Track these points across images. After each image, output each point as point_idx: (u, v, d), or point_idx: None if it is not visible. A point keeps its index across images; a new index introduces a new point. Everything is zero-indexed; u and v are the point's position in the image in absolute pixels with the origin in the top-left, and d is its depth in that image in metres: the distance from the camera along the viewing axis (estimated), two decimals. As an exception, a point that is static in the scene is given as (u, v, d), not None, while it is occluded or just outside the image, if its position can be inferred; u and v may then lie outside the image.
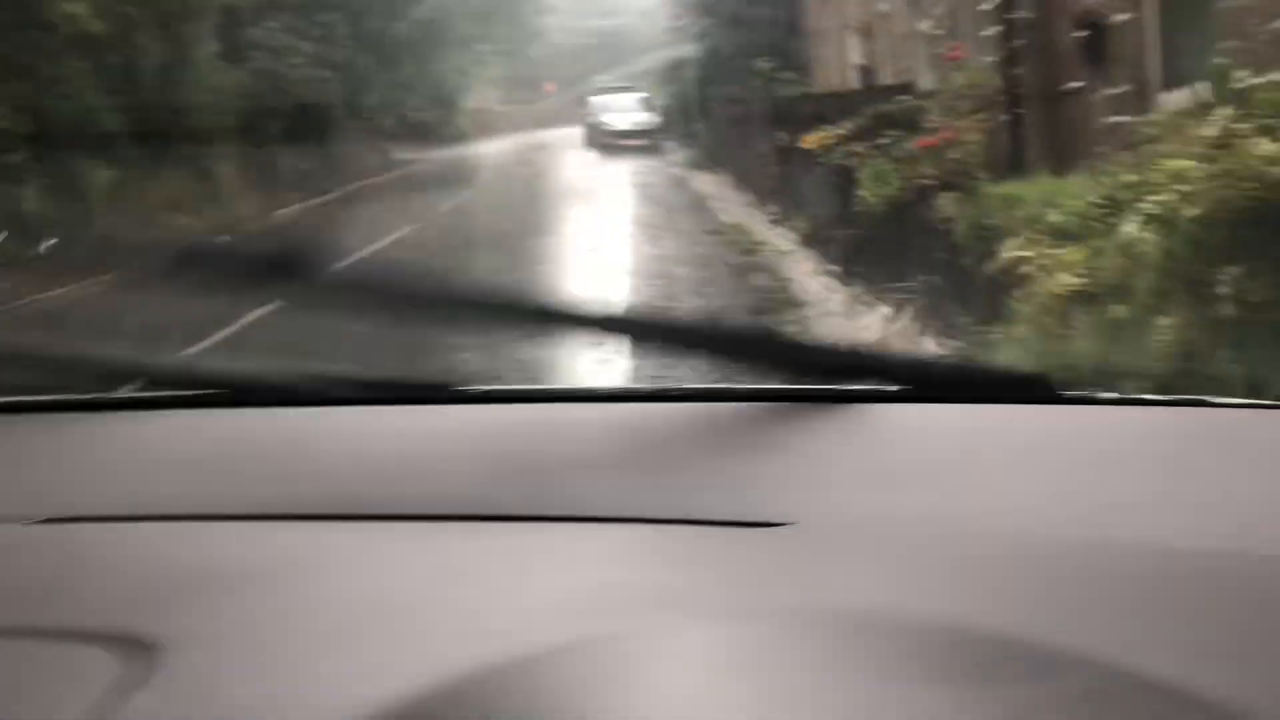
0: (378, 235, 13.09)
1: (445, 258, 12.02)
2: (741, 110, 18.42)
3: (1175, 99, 6.53)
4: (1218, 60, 5.06)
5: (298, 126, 20.66)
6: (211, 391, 1.54)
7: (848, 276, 9.26)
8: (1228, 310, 3.71)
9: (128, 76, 14.40)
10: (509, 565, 1.05)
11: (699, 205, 16.62)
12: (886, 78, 15.18)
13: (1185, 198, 3.88)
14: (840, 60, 19.15)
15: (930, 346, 6.67)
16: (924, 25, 13.09)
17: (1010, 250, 4.48)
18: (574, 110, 44.70)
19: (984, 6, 10.36)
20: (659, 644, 0.85)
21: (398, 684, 0.78)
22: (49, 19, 12.64)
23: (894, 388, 1.35)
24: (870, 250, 8.84)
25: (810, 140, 11.70)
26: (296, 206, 18.30)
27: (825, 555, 1.03)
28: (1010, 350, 4.95)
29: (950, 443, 1.29)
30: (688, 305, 8.89)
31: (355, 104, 23.76)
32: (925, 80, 12.97)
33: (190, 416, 1.52)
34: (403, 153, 27.94)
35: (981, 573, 0.97)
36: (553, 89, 55.20)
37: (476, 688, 0.77)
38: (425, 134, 32.12)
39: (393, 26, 23.86)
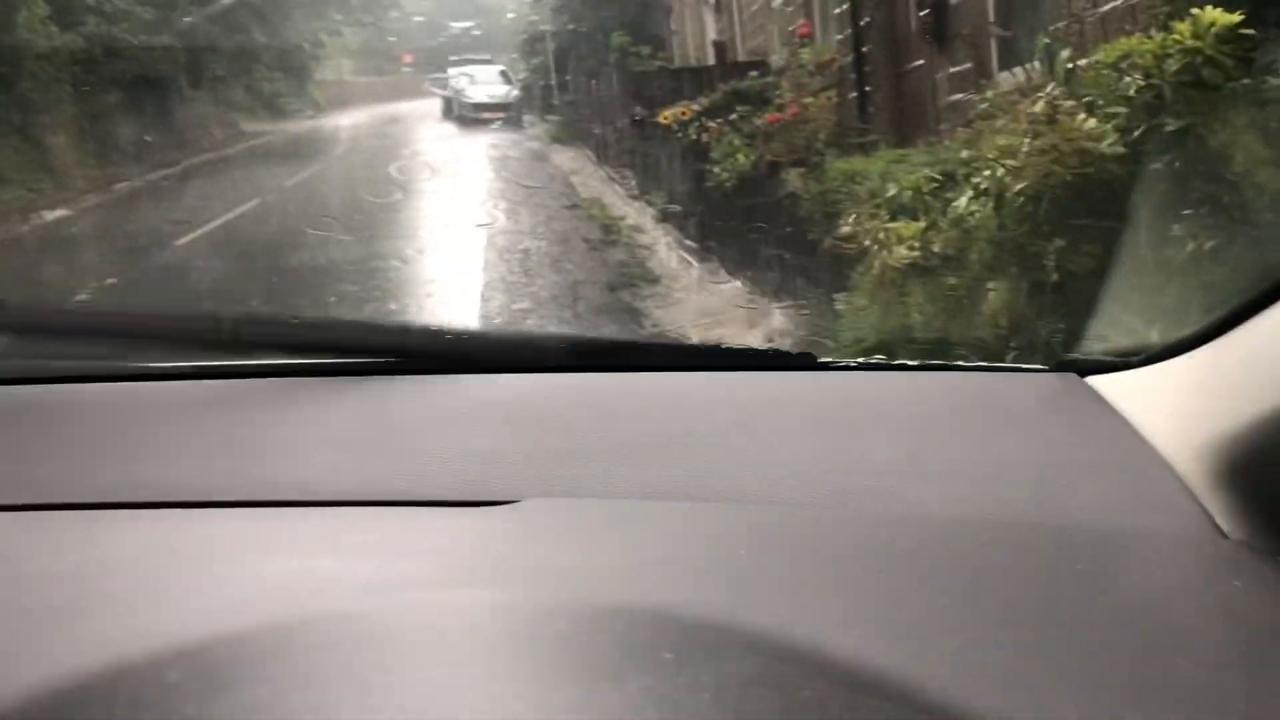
0: (218, 211, 12.62)
1: (285, 233, 11.66)
2: (600, 85, 18.38)
3: (1011, 78, 6.75)
4: (1046, 41, 5.25)
5: (138, 96, 19.72)
6: None
7: (703, 251, 9.34)
8: (1052, 279, 3.85)
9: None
10: (212, 552, 0.99)
11: (558, 179, 16.53)
12: (741, 54, 15.33)
13: (1013, 172, 4.01)
14: (697, 36, 19.26)
15: (780, 317, 6.79)
16: (777, 2, 13.25)
17: (850, 224, 4.57)
18: (432, 82, 43.92)
19: (833, -16, 10.54)
20: (360, 627, 0.80)
21: (58, 667, 0.74)
22: None
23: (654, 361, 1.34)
24: (723, 225, 8.92)
25: (666, 116, 11.72)
26: (137, 180, 17.49)
27: (546, 535, 1.00)
28: (852, 320, 5.07)
29: (699, 412, 1.26)
30: (546, 280, 8.85)
31: (200, 73, 22.80)
32: (778, 57, 13.15)
33: None
34: (251, 124, 27.00)
35: (701, 548, 0.95)
36: (410, 60, 54.12)
37: (152, 669, 0.73)
38: (275, 105, 31.07)
39: (238, -7, 22.95)
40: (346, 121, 31.58)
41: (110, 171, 17.38)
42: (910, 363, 1.36)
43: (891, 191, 4.83)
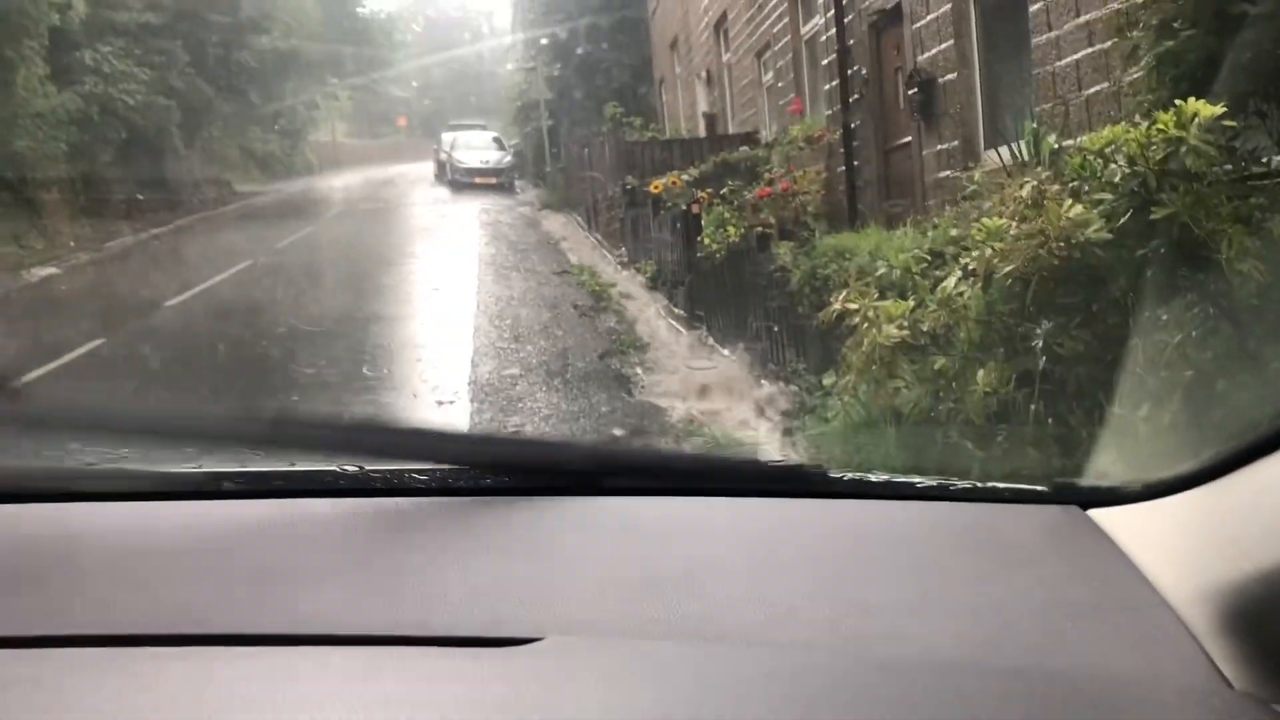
0: (210, 272, 12.64)
1: (276, 296, 11.67)
2: (592, 153, 18.58)
3: (998, 157, 6.86)
4: (1032, 124, 5.33)
5: (133, 155, 19.86)
6: None
7: (692, 320, 9.38)
8: (1040, 363, 3.87)
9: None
10: (230, 696, 0.95)
11: (549, 245, 16.63)
12: (732, 127, 15.55)
13: (1001, 254, 4.04)
14: (688, 108, 19.54)
15: (768, 389, 6.80)
16: (768, 77, 13.46)
17: (840, 301, 4.59)
18: (425, 146, 44.32)
19: (824, 61, 10.72)
20: None
21: None
22: None
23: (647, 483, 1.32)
24: (712, 295, 8.97)
25: (657, 185, 11.85)
26: (129, 238, 17.53)
27: (567, 680, 0.98)
28: (841, 398, 5.08)
29: (713, 541, 1.25)
30: (536, 346, 8.87)
31: (195, 133, 23.00)
32: (768, 131, 13.34)
33: None
34: (245, 184, 27.16)
35: (717, 695, 0.94)
36: (404, 123, 54.64)
37: None
38: (270, 166, 31.34)
39: (237, 55, 23.23)
40: (340, 183, 31.82)
41: (102, 229, 17.43)
42: (915, 482, 1.34)
43: (881, 269, 4.87)
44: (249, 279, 12.73)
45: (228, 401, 7.09)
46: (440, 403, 7.16)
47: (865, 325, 4.47)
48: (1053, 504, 1.29)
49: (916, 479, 1.36)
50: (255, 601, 1.10)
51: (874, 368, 4.42)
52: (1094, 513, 1.23)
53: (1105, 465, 1.80)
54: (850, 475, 1.34)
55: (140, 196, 20.56)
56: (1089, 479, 1.41)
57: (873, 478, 1.34)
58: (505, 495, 1.32)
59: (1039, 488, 1.33)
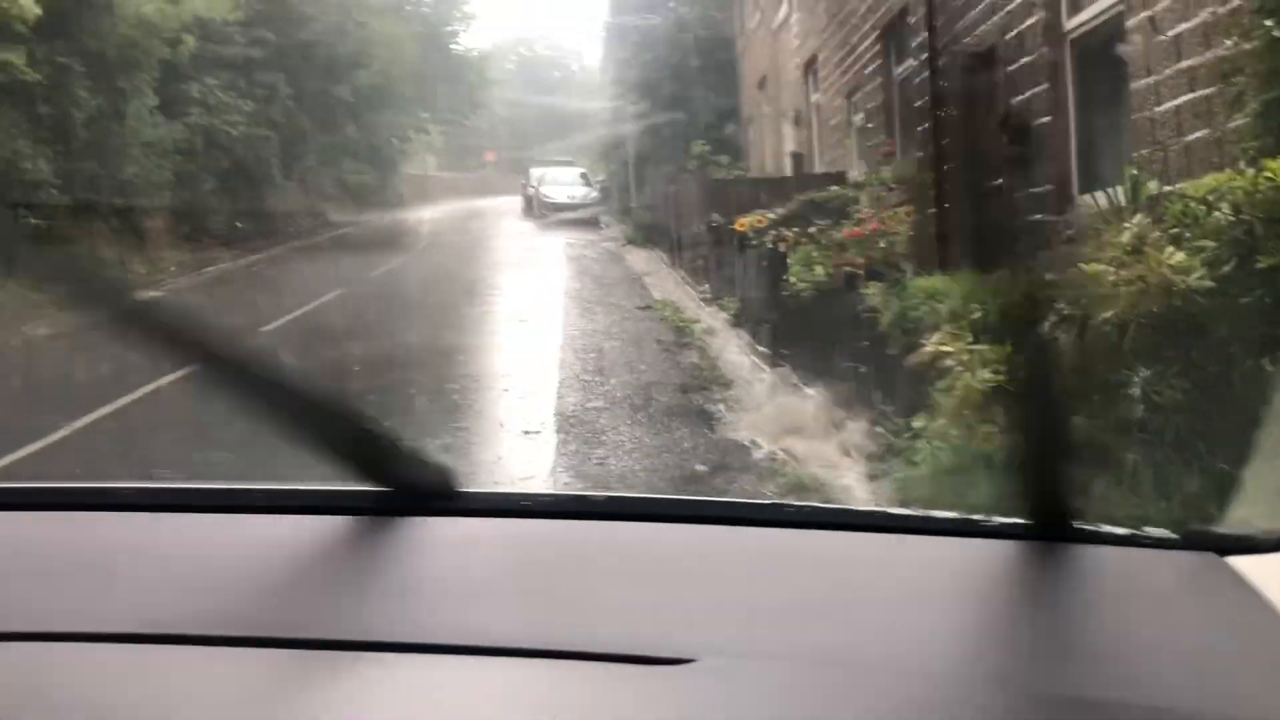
0: (304, 299, 12.99)
1: (367, 323, 11.95)
2: (677, 190, 18.72)
3: (1093, 202, 6.78)
4: (1131, 170, 5.27)
5: (233, 184, 20.53)
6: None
7: (775, 358, 9.38)
8: (1138, 411, 3.81)
9: (60, 126, 14.22)
10: (392, 700, 1.00)
11: (632, 280, 16.76)
12: (819, 166, 15.56)
13: (1099, 301, 4.00)
14: (774, 147, 19.60)
15: (854, 431, 6.76)
16: (857, 118, 13.46)
17: (933, 344, 4.57)
18: (513, 180, 45.02)
19: (916, 103, 10.70)
20: None
21: None
22: (-19, 65, 12.49)
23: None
24: (797, 333, 8.96)
25: (742, 223, 11.89)
26: (227, 264, 18.10)
27: (721, 699, 1.00)
28: (930, 441, 5.04)
29: (854, 574, 1.28)
30: (620, 379, 8.94)
31: (293, 164, 23.69)
32: (856, 171, 13.33)
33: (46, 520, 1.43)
34: (338, 215, 27.84)
35: (875, 713, 0.96)
36: (492, 158, 55.60)
37: None
38: (362, 197, 32.07)
39: (335, 89, 23.90)
40: (429, 215, 32.46)
41: (202, 255, 18.03)
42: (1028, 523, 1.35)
43: (975, 313, 4.83)
44: (342, 306, 13.04)
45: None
46: (526, 432, 7.26)
47: (958, 369, 4.45)
48: (1186, 550, 1.29)
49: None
50: (405, 614, 1.16)
51: (967, 412, 4.39)
52: (1232, 560, 1.23)
53: (1238, 513, 1.77)
54: (978, 517, 1.36)
55: (239, 224, 21.23)
56: (1221, 526, 1.40)
57: (981, 518, 1.35)
58: (653, 521, 1.37)
59: (1168, 534, 1.32)
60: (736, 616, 1.16)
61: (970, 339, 4.65)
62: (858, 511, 1.39)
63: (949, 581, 1.25)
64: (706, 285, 14.11)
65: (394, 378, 8.62)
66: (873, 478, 5.68)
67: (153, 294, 14.56)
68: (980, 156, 9.68)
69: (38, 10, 12.41)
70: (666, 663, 1.04)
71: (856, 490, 5.68)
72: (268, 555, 1.32)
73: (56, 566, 1.28)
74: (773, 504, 1.42)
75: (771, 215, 11.74)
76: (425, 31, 32.17)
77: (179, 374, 9.11)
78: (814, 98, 16.08)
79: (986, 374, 4.26)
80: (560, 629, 1.13)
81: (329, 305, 13.07)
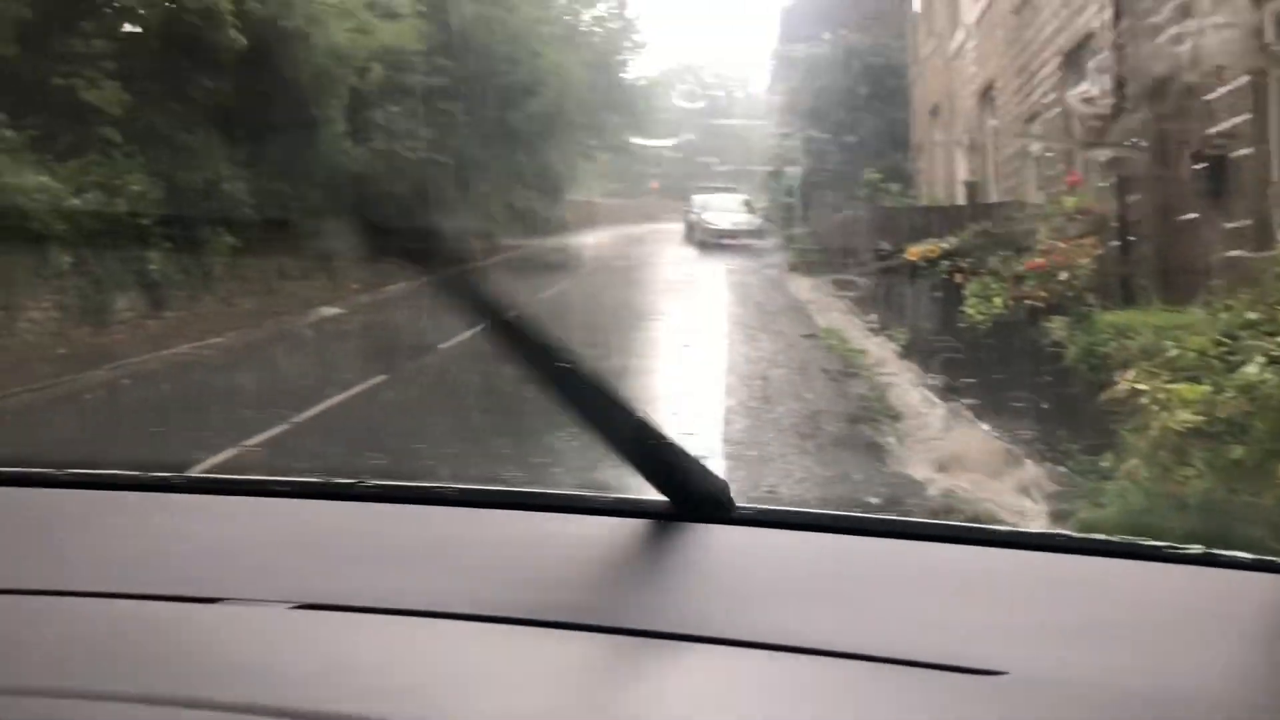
0: (471, 322, 13.27)
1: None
2: (843, 217, 18.57)
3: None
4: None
5: (410, 206, 21.35)
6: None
7: (947, 391, 9.19)
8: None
9: (257, 150, 15.08)
10: (707, 690, 1.07)
11: (796, 308, 16.67)
12: (994, 195, 15.20)
13: (1312, 341, 3.81)
14: (946, 175, 19.24)
15: (1033, 469, 6.57)
16: (1035, 147, 13.11)
17: (1126, 381, 4.41)
18: (675, 206, 45.42)
19: (1101, 132, 10.36)
20: None
21: None
22: (191, 92, 13.34)
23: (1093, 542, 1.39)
24: (971, 366, 8.76)
25: (914, 252, 11.70)
26: (403, 283, 18.80)
27: (1037, 709, 1.03)
28: (1119, 482, 4.86)
29: (1146, 599, 1.30)
30: (787, 408, 8.90)
31: (466, 189, 24.48)
32: (1033, 200, 12.97)
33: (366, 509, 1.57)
34: (507, 238, 28.62)
35: None
36: (656, 187, 56.22)
37: None
38: (530, 222, 32.86)
39: (508, 116, 24.61)
40: (593, 240, 33.08)
41: (380, 274, 18.76)
42: (1239, 556, 1.35)
43: (1171, 350, 4.65)
44: (512, 327, 13.35)
45: (496, 441, 7.48)
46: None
47: (1154, 408, 4.29)
48: None
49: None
50: (739, 611, 1.22)
51: (1161, 453, 4.23)
52: None
53: None
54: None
55: (413, 246, 22.01)
56: None
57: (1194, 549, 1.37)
58: (924, 541, 1.41)
59: None
60: (1035, 634, 1.19)
61: (1166, 377, 4.48)
62: (1143, 545, 1.40)
63: (1238, 612, 1.26)
64: (874, 314, 13.93)
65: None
66: (1056, 517, 5.50)
67: (336, 310, 15.28)
68: (1171, 188, 9.32)
69: (244, 41, 13.22)
70: (979, 673, 1.07)
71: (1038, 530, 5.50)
72: (572, 551, 1.41)
73: (402, 552, 1.42)
74: (1050, 533, 1.44)
75: (944, 245, 11.51)
76: (595, 60, 32.82)
77: (378, 379, 9.61)
78: (989, 125, 15.73)
79: (1185, 415, 4.09)
80: (868, 634, 1.17)
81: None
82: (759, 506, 1.49)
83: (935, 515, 5.81)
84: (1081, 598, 1.30)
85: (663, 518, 1.42)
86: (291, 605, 1.19)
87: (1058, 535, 1.42)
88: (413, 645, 1.14)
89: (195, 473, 6.52)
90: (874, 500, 6.29)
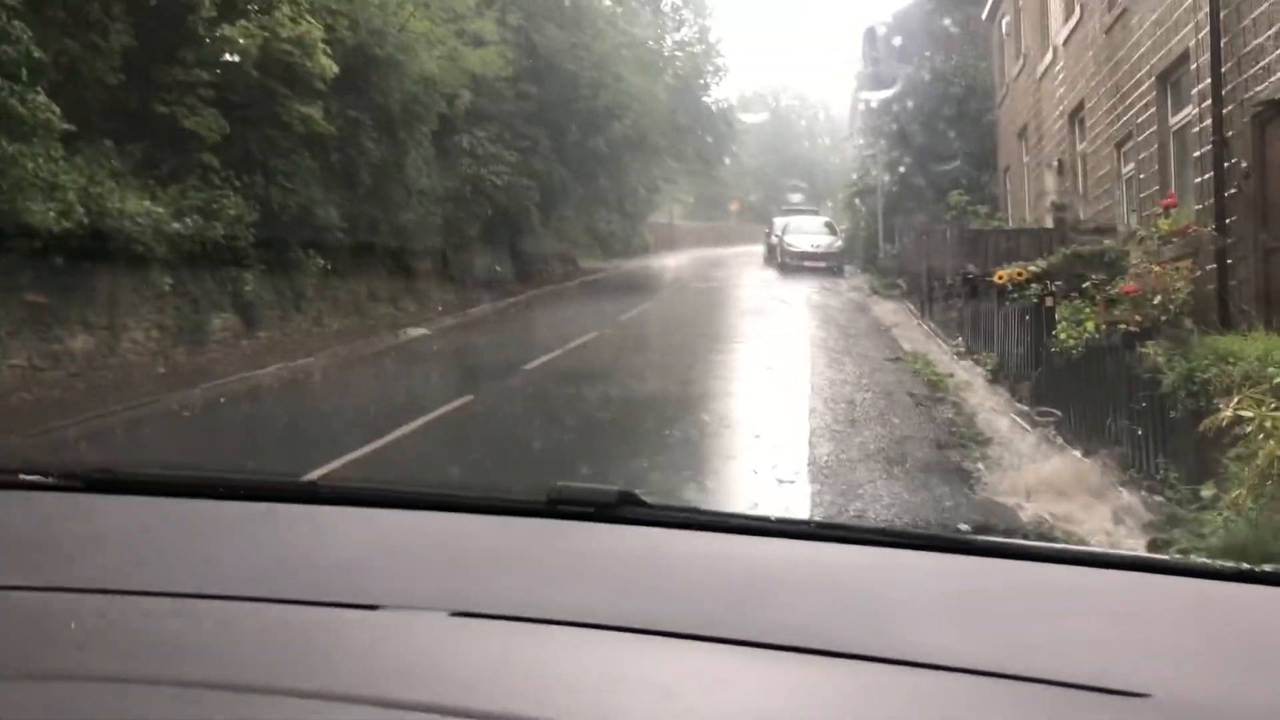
0: (558, 341, 13.50)
1: (620, 364, 12.28)
2: (927, 239, 18.35)
3: None
4: None
5: (495, 230, 21.66)
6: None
7: (1038, 416, 9.02)
8: None
9: (348, 175, 15.43)
10: (844, 704, 1.09)
11: (880, 331, 16.51)
12: (1083, 217, 14.93)
13: None
14: (1034, 197, 18.94)
15: (1128, 496, 6.41)
16: (1128, 168, 12.85)
17: (1230, 408, 4.28)
18: (754, 228, 45.34)
19: (1196, 153, 10.13)
20: None
21: None
22: (286, 119, 13.71)
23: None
24: (1064, 392, 8.59)
25: (1001, 275, 11.52)
26: (487, 305, 19.06)
27: None
28: (1221, 512, 4.72)
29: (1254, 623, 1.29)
30: (872, 432, 8.82)
31: (550, 212, 24.75)
32: (1125, 223, 12.70)
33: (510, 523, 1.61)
34: (588, 261, 28.83)
35: None
36: (737, 207, 56.24)
37: None
38: (610, 244, 33.11)
39: (591, 140, 24.84)
40: (673, 262, 33.14)
41: (465, 296, 19.09)
42: None
43: (1278, 378, 4.52)
44: (595, 349, 13.49)
45: (576, 466, 7.53)
46: (780, 481, 7.26)
47: (1260, 436, 4.17)
48: None
49: None
50: (867, 624, 1.25)
51: (1269, 483, 4.11)
52: None
53: None
54: None
55: (498, 268, 22.34)
56: None
57: None
58: (1070, 564, 1.42)
59: None
60: (1175, 657, 1.19)
61: (1272, 404, 4.35)
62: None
63: None
64: (959, 338, 13.74)
65: (648, 419, 8.82)
66: (1154, 547, 5.35)
67: (422, 331, 15.53)
68: (1271, 211, 9.05)
69: (335, 68, 13.56)
70: (1122, 694, 1.07)
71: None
72: (678, 565, 1.45)
73: (546, 563, 1.46)
74: (1176, 558, 1.43)
75: (1033, 268, 11.33)
76: (677, 84, 33.01)
77: (465, 399, 9.78)
78: (1079, 147, 15.46)
79: (1295, 443, 3.97)
80: (1004, 652, 1.17)
81: (583, 347, 13.53)
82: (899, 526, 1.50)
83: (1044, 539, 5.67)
84: (1224, 622, 1.29)
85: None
86: (449, 612, 1.24)
87: (1186, 560, 1.40)
88: (565, 652, 1.18)
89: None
90: (964, 527, 6.18)
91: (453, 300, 18.60)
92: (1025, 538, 1.52)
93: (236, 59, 12.97)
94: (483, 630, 1.22)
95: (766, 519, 1.57)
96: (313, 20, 13.22)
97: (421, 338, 15.19)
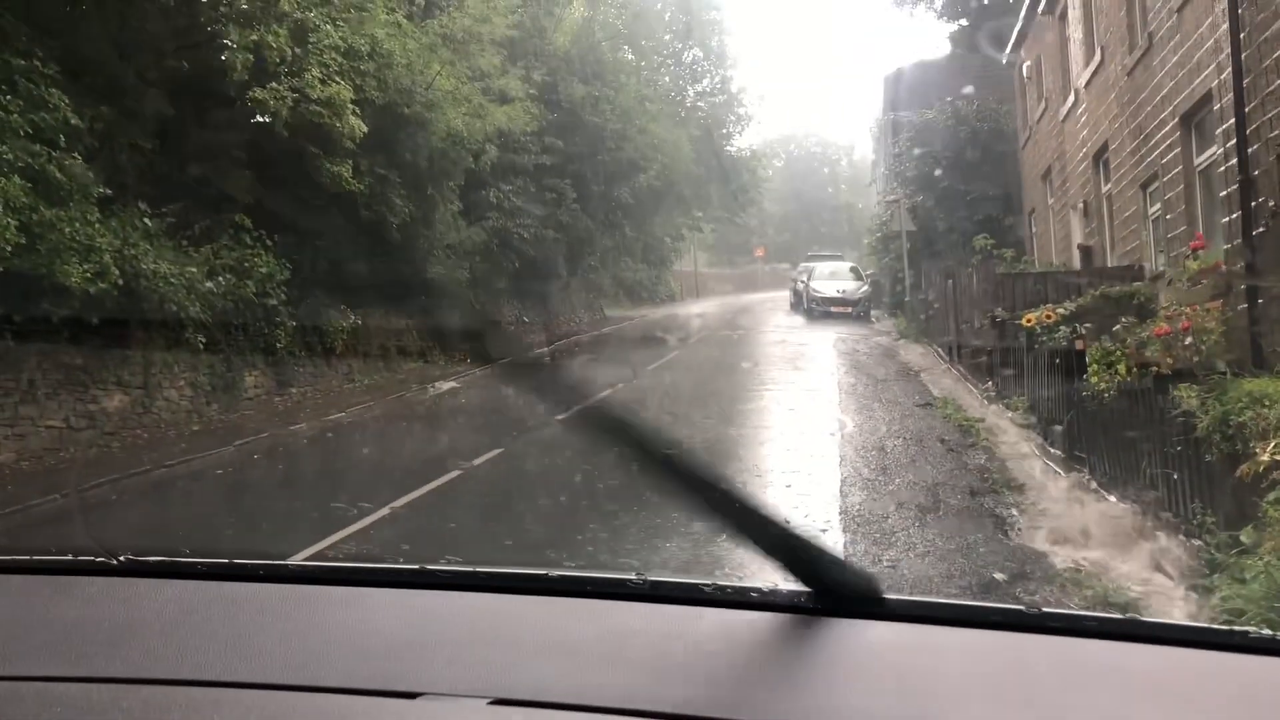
0: (587, 391, 13.45)
1: (647, 417, 12.28)
2: (954, 283, 18.32)
3: None
4: None
5: (522, 282, 21.81)
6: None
7: (1072, 461, 8.95)
8: None
9: (377, 231, 15.62)
10: None
11: (908, 376, 16.44)
12: (1110, 259, 14.87)
13: None
14: (1060, 240, 18.89)
15: (1165, 542, 6.33)
16: (1154, 209, 12.82)
17: (1268, 453, 4.24)
18: (780, 275, 45.39)
19: (1222, 193, 10.10)
20: None
21: None
22: (316, 178, 13.92)
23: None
24: (1094, 436, 8.52)
25: (1030, 318, 11.48)
26: (517, 357, 19.10)
27: None
28: (1262, 557, 4.66)
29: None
30: (904, 479, 8.76)
31: (577, 263, 24.93)
32: (1152, 264, 12.65)
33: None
34: (614, 309, 28.92)
35: None
36: (762, 254, 56.34)
37: None
38: (636, 293, 33.24)
39: (617, 191, 25.07)
40: (698, 310, 33.19)
41: (492, 348, 19.17)
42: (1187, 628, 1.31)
43: (1315, 421, 4.47)
44: (625, 398, 13.49)
45: (606, 520, 7.52)
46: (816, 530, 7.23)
47: (1298, 480, 4.12)
48: None
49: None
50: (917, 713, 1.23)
51: (1309, 528, 4.05)
52: None
53: None
54: None
55: (525, 319, 22.48)
56: None
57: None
58: (1120, 640, 1.39)
59: None
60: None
61: (1310, 449, 4.30)
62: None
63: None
64: (989, 382, 13.67)
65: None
66: (1194, 594, 5.29)
67: (452, 384, 15.61)
68: (1303, 249, 8.99)
69: (364, 128, 13.78)
70: None
71: (1176, 608, 5.30)
72: (728, 646, 1.41)
73: (579, 646, 1.44)
74: (1233, 630, 1.39)
75: (1061, 310, 11.29)
76: (701, 134, 33.28)
77: (495, 453, 9.80)
78: (1105, 188, 15.44)
79: (1334, 488, 3.92)
80: None
81: (607, 400, 13.55)
82: (914, 599, 1.47)
83: (1091, 607, 5.58)
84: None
85: (802, 611, 1.41)
86: (489, 700, 1.23)
87: (1245, 633, 1.35)
88: None
89: (333, 541, 6.80)
90: (999, 576, 6.14)
91: (482, 351, 18.69)
92: (1088, 612, 1.44)
93: (268, 120, 13.21)
94: (520, 717, 1.22)
95: (774, 592, 1.48)
96: (342, 81, 13.46)
97: (452, 390, 15.27)
